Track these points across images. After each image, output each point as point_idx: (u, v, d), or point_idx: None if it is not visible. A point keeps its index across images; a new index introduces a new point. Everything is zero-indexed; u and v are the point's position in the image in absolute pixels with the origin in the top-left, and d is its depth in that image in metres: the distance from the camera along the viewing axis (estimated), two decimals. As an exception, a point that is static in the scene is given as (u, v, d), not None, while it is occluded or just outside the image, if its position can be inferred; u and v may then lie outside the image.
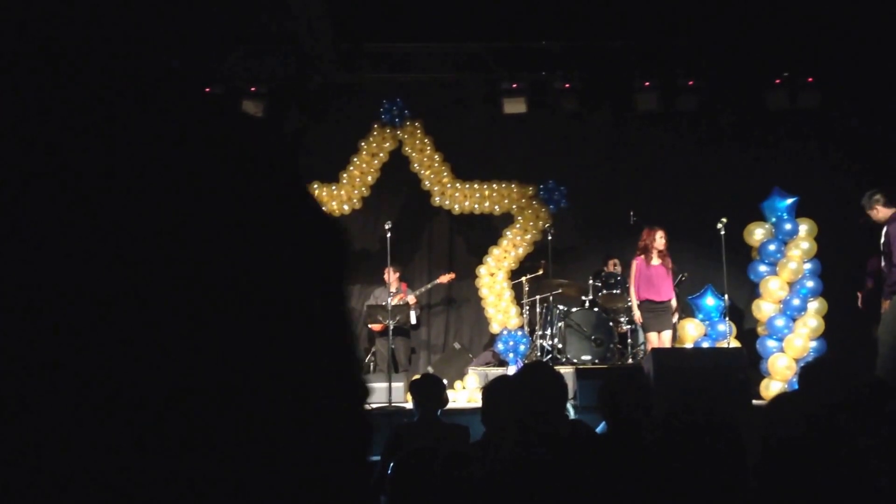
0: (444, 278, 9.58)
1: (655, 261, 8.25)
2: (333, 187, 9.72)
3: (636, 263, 8.38)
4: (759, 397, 7.65)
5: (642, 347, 8.89)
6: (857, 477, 2.05)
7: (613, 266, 9.68)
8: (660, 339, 8.22)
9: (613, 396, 3.32)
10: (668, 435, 2.61)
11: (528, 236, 9.47)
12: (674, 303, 8.35)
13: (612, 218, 10.25)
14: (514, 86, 9.47)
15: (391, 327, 8.49)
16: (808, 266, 8.04)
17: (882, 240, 6.95)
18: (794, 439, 2.08)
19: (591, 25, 9.16)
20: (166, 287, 0.42)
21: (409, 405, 5.84)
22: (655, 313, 8.23)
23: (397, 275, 9.48)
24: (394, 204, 10.26)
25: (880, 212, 6.95)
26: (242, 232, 0.45)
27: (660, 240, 8.30)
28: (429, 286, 9.73)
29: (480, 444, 3.44)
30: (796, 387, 3.52)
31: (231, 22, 8.96)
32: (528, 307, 9.34)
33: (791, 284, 7.94)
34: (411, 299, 9.33)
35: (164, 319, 0.42)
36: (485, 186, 9.66)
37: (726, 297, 8.36)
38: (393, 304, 8.90)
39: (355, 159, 9.74)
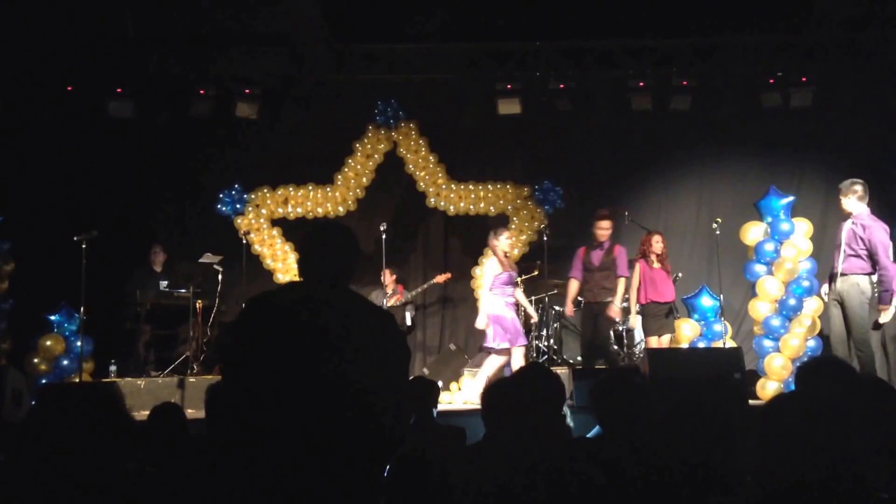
0: (440, 278, 9.55)
1: (655, 264, 8.27)
2: (328, 189, 9.69)
3: (639, 267, 8.38)
4: (756, 397, 7.63)
5: (638, 348, 8.87)
6: (856, 476, 2.03)
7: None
8: (659, 342, 8.22)
9: (604, 397, 3.29)
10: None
11: (524, 237, 9.45)
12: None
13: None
14: (509, 86, 9.45)
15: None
16: (804, 265, 8.02)
17: (846, 234, 6.87)
18: (792, 440, 2.07)
19: (585, 26, 9.15)
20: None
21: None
22: (658, 316, 8.24)
23: (394, 277, 9.47)
24: (389, 205, 10.24)
25: (851, 203, 6.90)
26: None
27: (656, 244, 8.31)
28: (424, 286, 9.70)
29: (479, 446, 3.42)
30: (793, 387, 3.50)
31: (225, 23, 8.93)
32: (523, 308, 9.30)
33: (787, 284, 7.92)
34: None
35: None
36: (480, 187, 9.63)
37: (722, 296, 8.35)
38: (388, 305, 8.90)
39: (350, 160, 9.71)
